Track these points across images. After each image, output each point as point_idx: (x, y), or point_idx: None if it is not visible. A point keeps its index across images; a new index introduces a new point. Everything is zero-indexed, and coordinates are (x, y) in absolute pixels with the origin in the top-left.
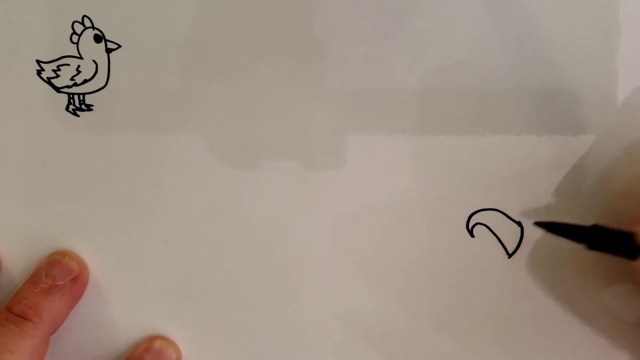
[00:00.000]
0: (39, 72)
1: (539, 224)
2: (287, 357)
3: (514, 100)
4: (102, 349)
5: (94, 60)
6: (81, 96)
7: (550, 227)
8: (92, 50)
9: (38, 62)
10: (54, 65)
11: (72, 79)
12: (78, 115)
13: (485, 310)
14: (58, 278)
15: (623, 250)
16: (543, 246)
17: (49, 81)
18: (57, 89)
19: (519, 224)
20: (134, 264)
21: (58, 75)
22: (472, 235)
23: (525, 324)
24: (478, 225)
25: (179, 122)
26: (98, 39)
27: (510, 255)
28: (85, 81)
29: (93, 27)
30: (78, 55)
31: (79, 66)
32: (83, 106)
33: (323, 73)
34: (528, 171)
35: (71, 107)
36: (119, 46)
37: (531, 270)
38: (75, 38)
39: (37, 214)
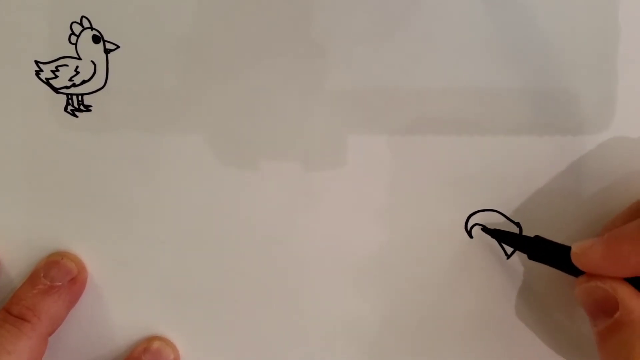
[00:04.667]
0: (37, 73)
1: (484, 229)
2: (285, 357)
3: (514, 100)
4: (101, 349)
5: (92, 61)
6: (80, 97)
7: (495, 234)
8: (91, 50)
9: (36, 62)
10: (52, 66)
11: (70, 79)
12: (76, 116)
13: (483, 311)
14: (56, 279)
15: (562, 264)
16: None
17: (47, 82)
18: (56, 90)
19: (517, 224)
20: (132, 264)
21: (56, 76)
22: (471, 236)
23: (523, 325)
24: (477, 226)
25: (178, 123)
26: (96, 39)
27: (508, 257)
28: (83, 82)
29: (91, 28)
30: (76, 56)
31: (77, 67)
32: (81, 107)
33: (322, 73)
34: (527, 171)
35: (70, 107)
36: (118, 47)
37: (529, 272)
38: (73, 39)
39: (36, 214)
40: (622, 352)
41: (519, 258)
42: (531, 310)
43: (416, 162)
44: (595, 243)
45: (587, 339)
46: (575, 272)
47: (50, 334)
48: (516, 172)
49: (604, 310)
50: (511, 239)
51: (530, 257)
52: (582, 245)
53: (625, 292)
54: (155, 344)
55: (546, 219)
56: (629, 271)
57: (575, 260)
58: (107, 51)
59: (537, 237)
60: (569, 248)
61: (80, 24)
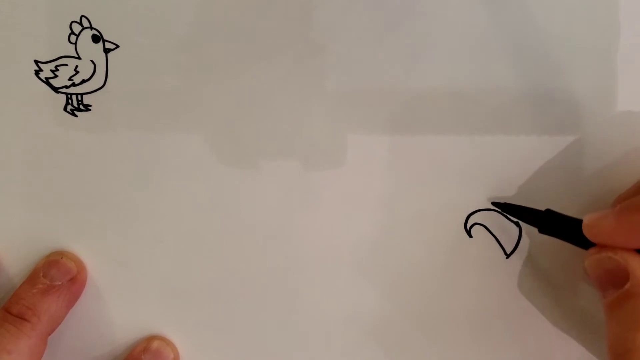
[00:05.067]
0: (37, 73)
1: (495, 204)
2: (284, 356)
3: (514, 101)
4: (100, 349)
5: (92, 61)
6: (79, 96)
7: (506, 208)
8: (90, 50)
9: (36, 62)
10: (52, 66)
11: (70, 79)
12: (76, 116)
13: (483, 310)
14: (56, 278)
15: (572, 237)
16: (541, 247)
17: (47, 81)
18: (56, 89)
19: (517, 224)
20: (132, 264)
21: (56, 76)
22: (470, 236)
23: (523, 324)
24: (476, 226)
25: (177, 122)
26: (96, 39)
27: (508, 256)
28: (83, 81)
29: (91, 27)
30: (76, 56)
31: (77, 66)
32: (81, 106)
33: (322, 73)
34: (527, 171)
35: (69, 107)
36: (117, 46)
37: (529, 271)
38: (73, 38)
39: (35, 214)
40: (631, 322)
41: (518, 257)
42: (531, 309)
43: (415, 162)
44: (607, 214)
45: (587, 334)
46: (586, 244)
47: (49, 334)
48: (515, 172)
49: (614, 281)
50: (522, 213)
51: (540, 231)
52: (594, 217)
53: (636, 263)
54: (155, 344)
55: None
56: None
57: (587, 231)
58: (106, 51)
59: (548, 210)
60: (580, 221)
61: (80, 23)
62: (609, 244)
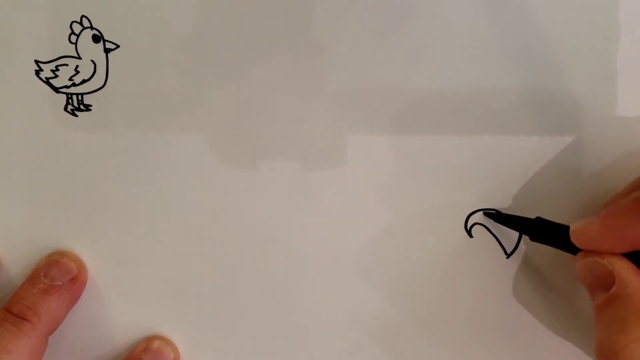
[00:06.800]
0: (37, 72)
1: (487, 214)
2: (284, 356)
3: (514, 101)
4: (101, 349)
5: (92, 61)
6: (80, 96)
7: (498, 217)
8: (91, 50)
9: (36, 62)
10: (52, 66)
11: (70, 79)
12: (76, 116)
13: (484, 310)
14: (56, 278)
15: (562, 243)
16: (541, 246)
17: (47, 81)
18: (56, 89)
19: None
20: (133, 264)
21: (57, 76)
22: (471, 236)
23: (523, 323)
24: (477, 226)
25: (177, 123)
26: (96, 39)
27: (508, 256)
28: (83, 81)
29: (91, 27)
30: (76, 56)
31: (77, 66)
32: (81, 106)
33: (322, 73)
34: (527, 171)
35: (70, 107)
36: (118, 46)
37: (529, 271)
38: (73, 38)
39: (36, 214)
40: (616, 324)
41: (518, 257)
42: (531, 309)
43: (416, 162)
44: (592, 220)
45: (589, 336)
46: (575, 250)
47: (50, 334)
48: (516, 172)
49: (602, 285)
50: (513, 222)
51: (532, 239)
52: (580, 224)
53: (622, 267)
54: (156, 344)
55: (548, 219)
56: (626, 246)
57: (574, 238)
58: (107, 50)
59: (538, 218)
60: (568, 227)
61: (80, 23)
62: (595, 249)
